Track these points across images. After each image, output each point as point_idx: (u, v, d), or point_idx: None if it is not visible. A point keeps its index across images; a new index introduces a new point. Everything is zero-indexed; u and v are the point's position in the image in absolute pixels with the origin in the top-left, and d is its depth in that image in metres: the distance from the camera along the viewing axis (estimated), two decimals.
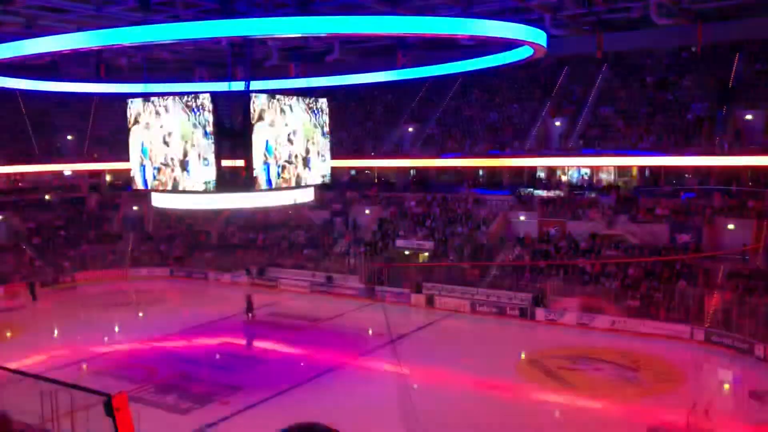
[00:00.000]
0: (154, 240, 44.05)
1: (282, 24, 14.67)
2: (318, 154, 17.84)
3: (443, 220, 37.87)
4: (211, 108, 15.78)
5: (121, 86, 31.41)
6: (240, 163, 16.53)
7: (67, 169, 48.92)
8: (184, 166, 16.13)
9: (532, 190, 38.12)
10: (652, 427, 18.33)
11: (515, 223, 36.23)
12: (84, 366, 24.66)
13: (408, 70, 30.33)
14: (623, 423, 19.14)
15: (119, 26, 14.45)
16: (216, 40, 33.50)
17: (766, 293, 25.97)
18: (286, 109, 16.79)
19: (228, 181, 16.47)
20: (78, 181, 49.67)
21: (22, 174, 47.42)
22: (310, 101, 17.68)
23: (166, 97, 16.59)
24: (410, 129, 45.28)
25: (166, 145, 16.45)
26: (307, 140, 17.42)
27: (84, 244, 42.70)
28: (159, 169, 16.62)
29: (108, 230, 45.06)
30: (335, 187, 41.28)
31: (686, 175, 35.85)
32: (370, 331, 29.36)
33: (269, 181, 16.33)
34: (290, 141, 16.80)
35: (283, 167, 16.62)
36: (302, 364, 25.26)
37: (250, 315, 30.55)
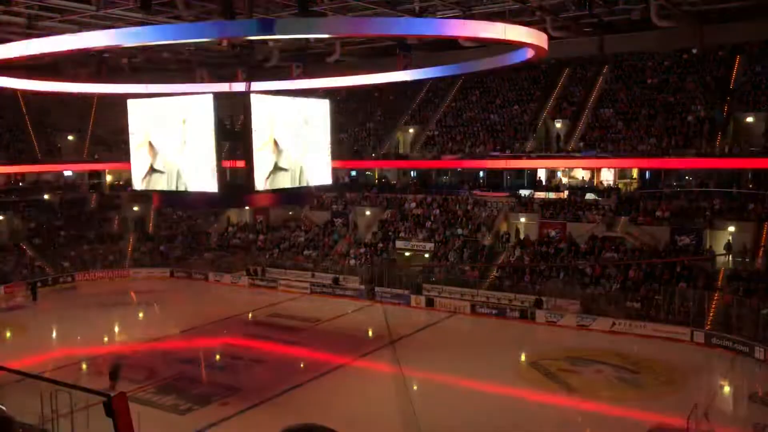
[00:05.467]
0: (155, 240, 44.06)
1: (283, 26, 14.69)
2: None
3: (443, 222, 37.85)
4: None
5: (122, 86, 31.45)
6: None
7: (67, 169, 48.94)
8: None
9: (532, 191, 38.09)
10: (652, 429, 18.32)
11: (516, 225, 36.21)
12: (84, 366, 24.65)
13: (409, 71, 30.37)
14: (623, 425, 19.13)
15: (120, 27, 14.48)
16: (217, 41, 33.60)
17: (767, 295, 25.98)
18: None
19: (228, 182, 16.50)
20: (78, 181, 49.70)
21: (22, 174, 47.41)
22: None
23: None
24: (411, 130, 45.31)
25: None
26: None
27: (84, 244, 42.71)
28: None
29: (108, 230, 45.05)
30: (336, 188, 41.31)
31: (686, 177, 35.84)
32: (370, 333, 29.36)
33: None
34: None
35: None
36: (302, 365, 25.25)
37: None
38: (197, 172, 15.97)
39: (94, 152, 48.20)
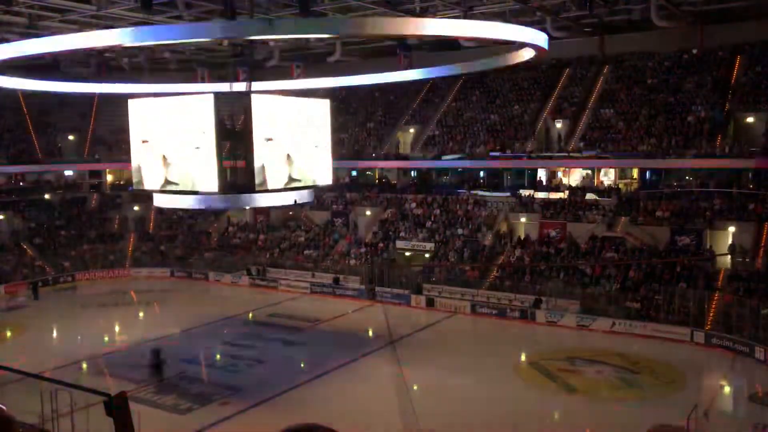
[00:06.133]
0: (155, 240, 44.08)
1: (283, 26, 14.67)
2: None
3: (444, 222, 37.86)
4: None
5: (122, 86, 31.46)
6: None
7: (68, 169, 48.99)
8: None
9: (533, 191, 38.09)
10: (652, 429, 18.32)
11: (516, 225, 36.22)
12: (84, 366, 24.67)
13: (409, 71, 30.34)
14: (623, 425, 19.12)
15: (121, 26, 14.48)
16: (218, 41, 33.61)
17: (767, 296, 25.97)
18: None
19: (229, 181, 16.48)
20: (79, 181, 49.75)
21: (23, 174, 47.46)
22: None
23: None
24: (411, 130, 45.31)
25: None
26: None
27: (85, 243, 42.73)
28: None
29: (109, 230, 45.08)
30: (336, 188, 41.32)
31: (687, 177, 35.86)
32: (371, 333, 29.37)
33: None
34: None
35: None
36: (302, 365, 25.27)
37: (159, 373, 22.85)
38: (205, 175, 15.87)
39: (95, 152, 48.24)
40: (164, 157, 16.30)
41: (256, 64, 41.32)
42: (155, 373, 22.70)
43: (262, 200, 17.34)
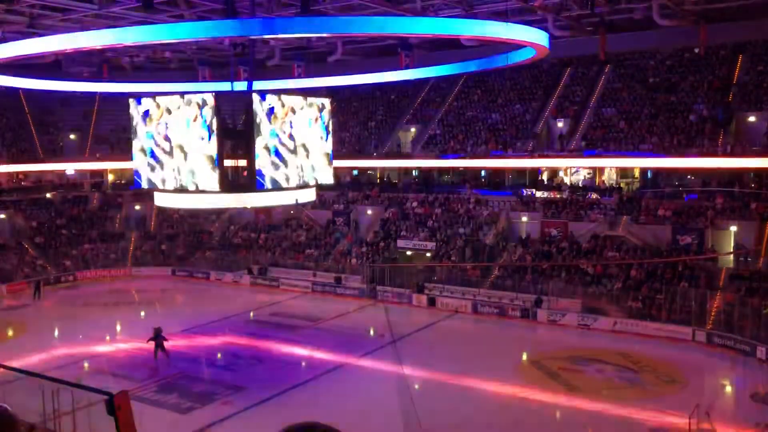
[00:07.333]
0: (156, 239, 44.07)
1: (284, 25, 14.69)
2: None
3: (445, 221, 37.84)
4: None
5: (124, 86, 31.50)
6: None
7: (69, 168, 49.01)
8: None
9: (534, 191, 38.03)
10: (654, 428, 18.32)
11: (517, 224, 36.20)
12: (86, 365, 24.68)
13: (410, 70, 30.36)
14: (624, 424, 19.12)
15: (122, 26, 14.47)
16: (219, 40, 33.63)
17: None
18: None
19: (230, 180, 16.50)
20: (80, 180, 49.75)
21: (24, 173, 47.49)
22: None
23: None
24: (412, 129, 45.28)
25: None
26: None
27: (86, 243, 42.73)
28: None
29: (110, 229, 45.08)
30: (337, 187, 41.30)
31: (688, 177, 35.80)
32: (372, 332, 29.36)
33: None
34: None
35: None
36: (303, 364, 25.27)
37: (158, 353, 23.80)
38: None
39: (96, 151, 48.26)
40: (192, 171, 16.27)
41: (258, 63, 41.35)
42: (156, 350, 23.40)
43: (265, 200, 17.37)
